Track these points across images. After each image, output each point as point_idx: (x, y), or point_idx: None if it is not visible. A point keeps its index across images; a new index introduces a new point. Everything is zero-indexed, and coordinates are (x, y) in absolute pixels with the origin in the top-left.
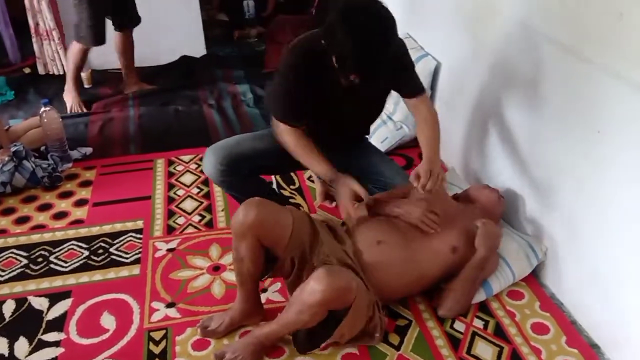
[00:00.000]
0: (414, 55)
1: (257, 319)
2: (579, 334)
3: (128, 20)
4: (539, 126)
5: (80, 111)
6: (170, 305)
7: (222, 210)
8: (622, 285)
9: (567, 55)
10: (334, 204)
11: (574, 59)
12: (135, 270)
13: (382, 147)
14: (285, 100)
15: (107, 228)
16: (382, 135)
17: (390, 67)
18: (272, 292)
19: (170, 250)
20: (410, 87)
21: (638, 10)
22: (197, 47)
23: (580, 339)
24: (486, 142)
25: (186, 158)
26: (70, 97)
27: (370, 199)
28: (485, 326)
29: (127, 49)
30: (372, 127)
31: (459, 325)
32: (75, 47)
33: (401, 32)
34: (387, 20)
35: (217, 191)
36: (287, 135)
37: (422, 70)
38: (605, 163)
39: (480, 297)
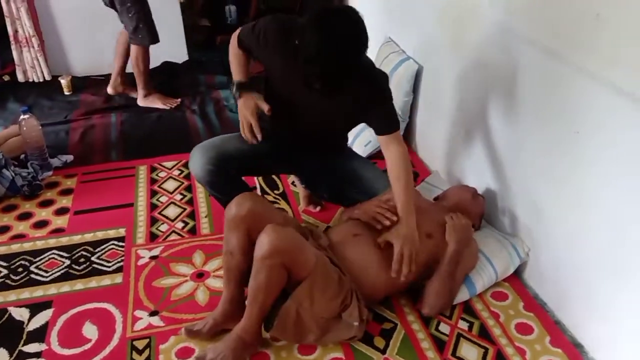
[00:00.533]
0: (395, 59)
1: (239, 321)
2: (563, 334)
3: None
4: (519, 127)
5: (173, 105)
6: (153, 313)
7: (206, 217)
8: (604, 285)
9: (546, 56)
10: (317, 209)
11: (552, 60)
12: (118, 278)
13: (366, 151)
14: (254, 31)
15: (88, 236)
16: (365, 139)
17: (359, 84)
18: None
19: (153, 257)
20: (382, 123)
21: (614, 11)
22: (179, 53)
23: (564, 338)
24: (468, 143)
25: (169, 164)
26: (156, 99)
27: (356, 214)
28: (470, 327)
29: (127, 50)
30: (355, 131)
31: (444, 327)
32: (138, 51)
33: (383, 36)
34: (359, 28)
35: (201, 197)
36: (232, 45)
37: (404, 74)
38: (583, 163)
39: (464, 295)
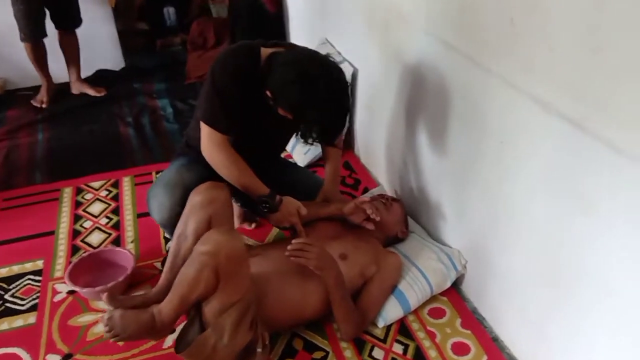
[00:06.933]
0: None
1: None
2: (501, 352)
3: (64, 18)
4: (448, 134)
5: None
6: (67, 357)
7: (132, 242)
8: (537, 298)
9: (468, 63)
10: (252, 226)
11: (474, 68)
12: (31, 318)
13: (305, 159)
14: (218, 105)
15: (3, 272)
16: (304, 147)
17: None
18: None
19: (70, 292)
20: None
21: (527, 15)
22: (114, 60)
23: (501, 356)
24: (404, 149)
25: (97, 185)
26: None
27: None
28: (405, 351)
29: (64, 49)
30: (294, 139)
31: (378, 353)
32: (26, 48)
33: (320, 38)
34: (348, 88)
35: (128, 220)
36: (220, 153)
37: None
38: (510, 173)
39: (397, 313)
